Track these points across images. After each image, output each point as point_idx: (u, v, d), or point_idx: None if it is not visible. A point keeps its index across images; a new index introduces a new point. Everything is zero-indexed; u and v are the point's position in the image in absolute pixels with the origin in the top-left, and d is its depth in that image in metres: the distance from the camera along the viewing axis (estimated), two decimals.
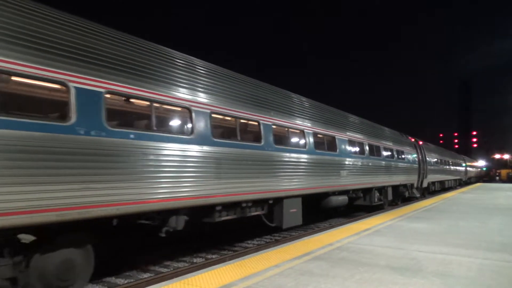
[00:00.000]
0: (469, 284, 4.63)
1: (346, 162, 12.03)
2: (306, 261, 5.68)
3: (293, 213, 9.03)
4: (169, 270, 6.99)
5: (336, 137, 11.65)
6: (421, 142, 23.40)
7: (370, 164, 13.98)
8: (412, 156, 20.04)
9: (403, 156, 18.38)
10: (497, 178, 66.25)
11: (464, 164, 43.30)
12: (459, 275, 5.01)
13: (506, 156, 72.72)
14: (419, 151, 21.72)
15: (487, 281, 4.74)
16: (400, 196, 18.67)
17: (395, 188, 17.42)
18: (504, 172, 66.46)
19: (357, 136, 13.44)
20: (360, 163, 13.09)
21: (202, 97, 6.80)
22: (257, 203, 8.24)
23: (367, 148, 13.88)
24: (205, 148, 6.64)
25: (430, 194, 25.19)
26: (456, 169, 37.18)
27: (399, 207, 15.24)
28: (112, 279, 6.59)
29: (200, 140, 6.55)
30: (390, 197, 16.37)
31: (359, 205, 14.45)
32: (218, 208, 7.13)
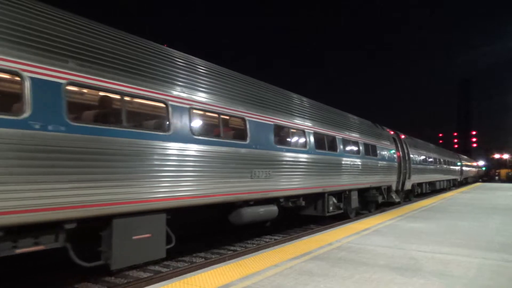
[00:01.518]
0: (468, 284, 4.63)
1: (271, 158, 8.39)
2: (306, 261, 5.69)
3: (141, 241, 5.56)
4: (169, 270, 6.99)
5: (247, 119, 7.87)
6: (403, 136, 19.91)
7: (318, 161, 10.36)
8: (389, 152, 16.53)
9: (376, 152, 14.87)
10: (497, 177, 66.27)
11: (459, 163, 39.92)
12: (458, 275, 5.01)
13: (506, 156, 72.75)
14: (400, 146, 18.31)
15: (486, 281, 4.75)
16: (372, 203, 15.20)
17: (363, 192, 14.30)
18: (503, 172, 66.50)
19: (296, 122, 9.73)
20: (301, 160, 9.56)
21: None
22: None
23: (311, 139, 10.19)
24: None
25: (417, 197, 22.18)
26: (450, 168, 33.49)
27: (399, 207, 15.22)
28: (112, 279, 6.59)
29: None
30: (355, 204, 13.00)
31: (309, 215, 11.44)
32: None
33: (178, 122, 6.18)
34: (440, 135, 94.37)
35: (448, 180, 32.49)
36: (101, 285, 6.34)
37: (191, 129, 6.40)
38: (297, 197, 9.73)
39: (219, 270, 5.20)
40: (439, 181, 28.12)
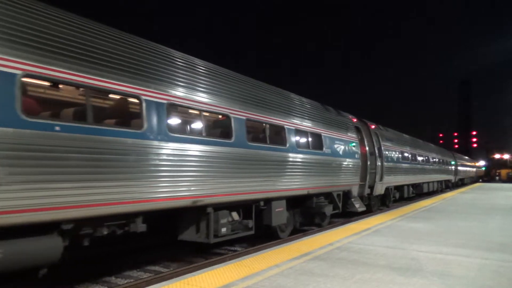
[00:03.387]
0: (468, 284, 4.63)
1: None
2: (306, 261, 5.69)
3: None
4: (169, 270, 6.98)
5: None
6: (373, 126, 15.62)
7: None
8: (348, 145, 12.25)
9: (321, 144, 10.57)
10: (497, 178, 66.27)
11: (453, 162, 35.15)
12: (459, 275, 5.01)
13: (506, 156, 72.74)
14: (367, 138, 14.24)
15: (487, 281, 4.75)
16: (318, 215, 10.85)
17: (299, 202, 10.07)
18: (504, 172, 66.50)
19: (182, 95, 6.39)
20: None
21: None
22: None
23: (202, 126, 6.81)
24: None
25: (397, 202, 18.58)
26: (442, 168, 29.01)
27: (399, 207, 15.19)
28: (112, 279, 6.59)
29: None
30: (279, 219, 8.76)
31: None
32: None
33: None
34: (441, 135, 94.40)
35: (440, 182, 28.49)
36: (101, 285, 6.34)
37: None
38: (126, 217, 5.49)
39: (219, 270, 5.20)
40: (427, 182, 23.77)
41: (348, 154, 12.16)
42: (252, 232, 7.97)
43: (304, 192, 9.62)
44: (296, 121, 9.56)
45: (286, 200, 9.09)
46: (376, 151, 14.72)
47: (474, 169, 55.67)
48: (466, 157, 52.78)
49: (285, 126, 8.99)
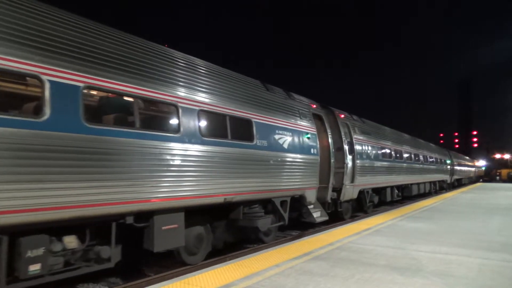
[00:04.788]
0: (469, 284, 4.63)
1: None
2: (306, 261, 5.68)
3: None
4: (169, 270, 6.98)
5: None
6: (343, 115, 12.78)
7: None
8: (300, 137, 9.44)
9: (251, 134, 7.78)
10: (498, 178, 66.19)
11: (449, 161, 31.66)
12: (459, 275, 5.01)
13: (507, 156, 72.67)
14: (334, 130, 11.70)
15: (487, 281, 4.74)
16: (249, 231, 8.31)
17: (222, 212, 7.74)
18: (504, 172, 66.38)
19: None
20: None
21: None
22: None
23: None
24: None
25: (385, 205, 17.08)
26: (435, 167, 25.96)
27: (399, 207, 15.17)
28: (112, 279, 6.59)
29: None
30: (167, 243, 6.01)
31: None
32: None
33: None
34: (441, 135, 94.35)
35: (433, 182, 25.57)
36: (102, 285, 6.34)
37: None
38: None
39: (220, 270, 5.20)
40: (417, 184, 20.91)
41: (299, 149, 9.24)
42: (111, 265, 5.36)
43: (219, 199, 6.77)
44: (200, 97, 6.59)
45: (192, 212, 6.60)
46: (346, 146, 11.97)
47: (473, 169, 53.22)
48: (465, 156, 50.44)
49: (179, 104, 6.09)
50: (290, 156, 8.93)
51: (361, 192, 13.19)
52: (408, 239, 7.55)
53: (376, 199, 15.10)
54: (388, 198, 16.23)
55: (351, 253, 6.23)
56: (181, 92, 6.31)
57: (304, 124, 9.81)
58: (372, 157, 14.23)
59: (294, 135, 9.21)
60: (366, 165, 13.49)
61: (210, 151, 6.62)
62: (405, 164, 18.55)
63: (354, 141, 12.60)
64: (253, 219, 7.82)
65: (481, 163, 71.55)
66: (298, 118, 9.65)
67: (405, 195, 19.29)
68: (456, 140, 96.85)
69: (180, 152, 6.06)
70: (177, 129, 6.10)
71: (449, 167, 31.35)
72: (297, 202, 9.60)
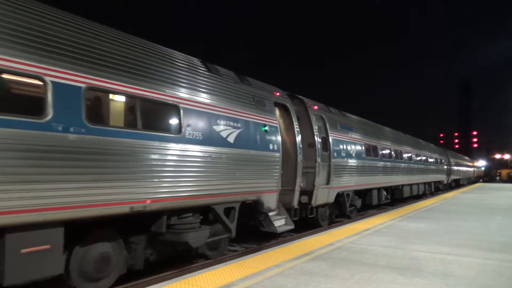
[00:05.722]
0: (469, 284, 4.63)
1: None
2: (307, 261, 5.68)
3: None
4: (169, 270, 6.98)
5: None
6: (316, 107, 11.12)
7: None
8: (256, 130, 7.86)
9: (195, 122, 6.38)
10: (498, 178, 66.18)
11: (444, 160, 29.61)
12: (460, 275, 5.01)
13: (507, 156, 72.66)
14: (305, 123, 10.22)
15: (488, 281, 4.74)
16: (180, 246, 6.60)
17: (146, 224, 6.02)
18: (504, 172, 66.36)
19: None
20: None
21: None
22: None
23: None
24: None
25: (374, 208, 16.07)
26: (430, 167, 24.15)
27: (399, 207, 15.17)
28: None
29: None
30: (28, 273, 4.22)
31: None
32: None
33: None
34: (441, 135, 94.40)
35: (428, 183, 23.73)
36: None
37: None
38: None
39: (220, 270, 5.20)
40: (409, 185, 19.23)
41: (252, 144, 7.61)
42: None
43: (123, 209, 5.16)
44: (86, 69, 4.86)
45: (93, 225, 5.23)
46: (318, 143, 10.37)
47: (472, 169, 51.77)
48: (463, 156, 49.33)
49: (46, 78, 4.39)
50: (238, 153, 7.20)
51: (340, 195, 11.67)
52: (408, 239, 7.55)
53: (359, 203, 13.30)
54: (375, 202, 14.66)
55: (351, 253, 6.23)
56: (51, 60, 4.49)
57: (261, 114, 8.09)
58: (354, 155, 12.60)
59: (245, 127, 7.49)
60: (346, 164, 11.94)
61: (104, 143, 4.91)
62: (395, 164, 17.05)
63: (330, 137, 11.11)
64: (181, 233, 6.10)
65: (481, 163, 71.51)
66: (253, 107, 7.91)
67: (396, 198, 17.83)
68: (456, 140, 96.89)
69: (50, 143, 4.32)
70: (42, 112, 4.28)
71: (445, 167, 29.87)
72: (254, 209, 8.03)
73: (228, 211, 7.17)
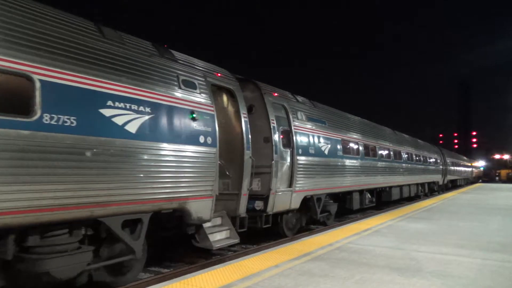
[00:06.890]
0: (468, 284, 4.64)
1: None
2: (306, 261, 5.69)
3: None
4: (169, 270, 6.98)
5: None
6: (276, 94, 9.39)
7: None
8: (178, 118, 6.07)
9: (65, 102, 4.49)
10: (497, 178, 66.26)
11: (440, 160, 28.00)
12: (459, 275, 5.01)
13: (506, 156, 72.73)
14: (259, 113, 8.65)
15: (487, 281, 4.75)
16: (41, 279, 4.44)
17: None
18: (503, 172, 66.44)
19: None
20: None
21: None
22: None
23: None
24: None
25: (357, 212, 14.65)
26: (423, 167, 22.57)
27: (400, 207, 15.17)
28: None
29: None
30: None
31: None
32: None
33: None
34: (441, 135, 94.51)
35: (421, 184, 22.14)
36: (102, 285, 6.32)
37: None
38: None
39: (219, 270, 5.20)
40: (399, 186, 17.60)
41: (169, 135, 5.87)
42: None
43: None
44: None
45: None
46: (277, 137, 8.66)
47: (471, 169, 50.02)
48: (461, 155, 47.75)
49: None
50: (144, 146, 5.42)
51: (308, 200, 9.95)
52: (408, 239, 7.55)
53: (333, 208, 11.57)
54: (356, 206, 12.81)
55: (350, 254, 6.23)
56: None
57: (187, 98, 6.34)
58: (327, 152, 10.82)
59: (158, 113, 5.74)
60: (316, 163, 10.12)
61: None
62: (381, 163, 15.18)
63: (294, 130, 9.29)
64: (38, 260, 4.32)
65: (481, 163, 71.58)
66: (175, 88, 6.18)
67: (383, 200, 16.35)
68: (456, 141, 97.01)
69: None
70: None
71: (441, 166, 27.93)
72: (180, 219, 6.37)
73: (134, 223, 5.51)
